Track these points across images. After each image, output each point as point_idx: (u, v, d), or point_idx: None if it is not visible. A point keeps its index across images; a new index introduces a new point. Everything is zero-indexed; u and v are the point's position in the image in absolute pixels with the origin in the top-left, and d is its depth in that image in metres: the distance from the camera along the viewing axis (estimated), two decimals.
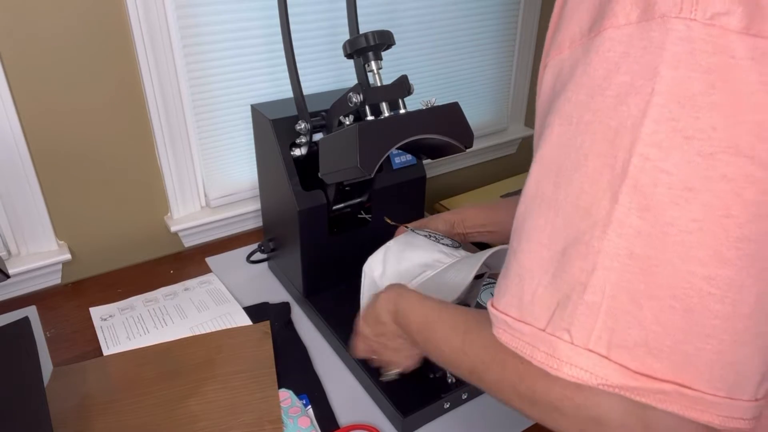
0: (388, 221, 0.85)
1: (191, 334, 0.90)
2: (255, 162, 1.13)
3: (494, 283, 1.01)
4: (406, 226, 0.82)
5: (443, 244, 0.78)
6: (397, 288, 0.64)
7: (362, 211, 0.98)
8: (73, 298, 1.02)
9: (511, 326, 0.38)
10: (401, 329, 0.62)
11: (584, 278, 0.34)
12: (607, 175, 0.33)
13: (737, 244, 0.31)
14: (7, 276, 0.79)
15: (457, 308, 0.55)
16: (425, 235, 0.79)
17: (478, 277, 0.81)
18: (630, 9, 0.32)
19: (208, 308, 0.96)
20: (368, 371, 0.80)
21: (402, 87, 0.78)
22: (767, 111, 0.30)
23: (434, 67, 1.33)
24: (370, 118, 0.75)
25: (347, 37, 0.81)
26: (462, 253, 0.77)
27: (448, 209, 1.44)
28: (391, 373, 0.72)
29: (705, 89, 0.30)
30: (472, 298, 0.84)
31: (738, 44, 0.30)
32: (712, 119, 0.30)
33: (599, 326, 0.34)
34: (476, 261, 0.69)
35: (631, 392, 0.33)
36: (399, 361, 0.68)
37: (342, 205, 0.93)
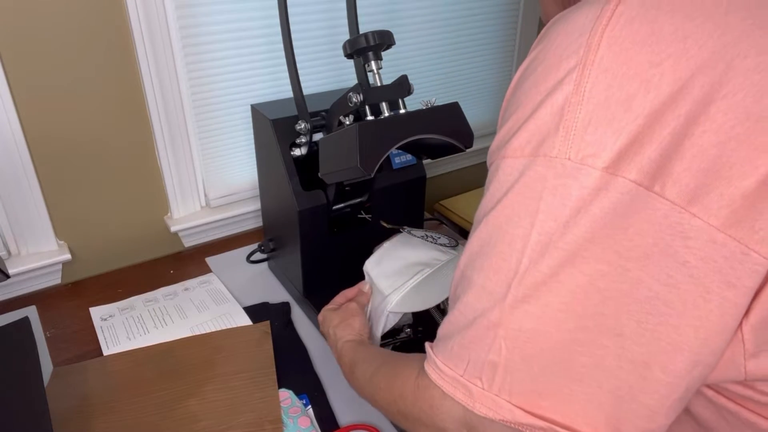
0: (385, 224, 0.85)
1: (191, 334, 0.90)
2: (255, 162, 1.13)
3: None
4: (403, 228, 0.82)
5: (440, 244, 0.78)
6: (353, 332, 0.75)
7: (362, 211, 0.98)
8: (73, 298, 1.02)
9: (438, 366, 0.47)
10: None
11: (488, 343, 0.43)
12: (505, 269, 0.42)
13: (593, 318, 0.40)
14: (7, 276, 0.79)
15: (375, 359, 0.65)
16: (422, 236, 0.79)
17: None
18: (525, 145, 0.41)
19: (208, 308, 0.96)
20: None
21: (402, 87, 0.78)
22: (614, 229, 0.38)
23: (434, 67, 1.33)
24: (370, 118, 0.75)
25: (347, 37, 0.81)
26: (460, 251, 0.77)
27: (448, 209, 1.44)
28: None
29: (571, 213, 0.39)
30: None
31: (598, 179, 0.38)
32: (575, 233, 0.39)
33: (500, 377, 0.43)
34: None
35: (522, 427, 0.43)
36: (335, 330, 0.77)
37: (342, 205, 0.93)
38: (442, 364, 0.47)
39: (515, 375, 0.42)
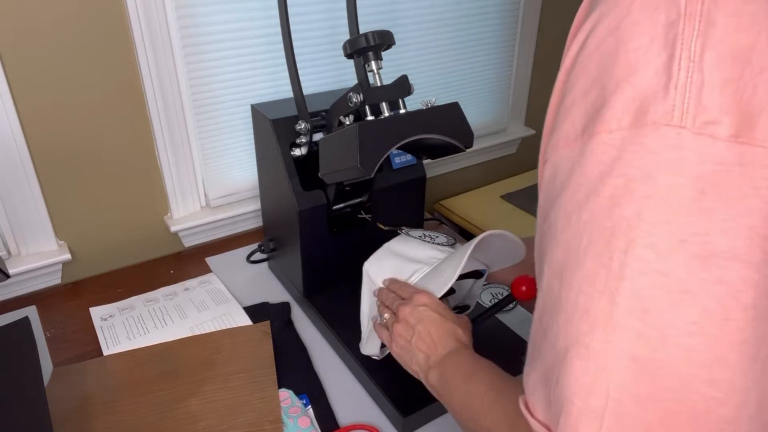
0: (382, 227, 0.85)
1: (191, 334, 0.90)
2: (255, 162, 1.13)
3: (495, 283, 1.00)
4: (401, 229, 0.82)
5: (438, 243, 0.78)
6: (467, 335, 0.66)
7: (362, 211, 0.98)
8: (73, 298, 1.02)
9: (531, 424, 0.39)
10: (436, 359, 0.64)
11: (587, 381, 0.34)
12: (604, 276, 0.33)
13: (737, 347, 0.31)
14: (7, 276, 0.79)
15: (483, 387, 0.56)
16: (419, 236, 0.79)
17: (479, 276, 0.81)
18: (621, 115, 0.34)
19: (208, 308, 0.96)
20: (368, 371, 0.80)
21: (402, 87, 0.78)
22: (759, 215, 0.31)
23: (434, 67, 1.33)
24: (370, 118, 0.75)
25: (347, 37, 0.81)
26: (458, 249, 0.77)
27: (448, 209, 1.44)
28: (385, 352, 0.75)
29: (695, 195, 0.31)
30: (472, 299, 0.84)
31: (726, 152, 0.31)
32: (704, 224, 0.31)
33: (605, 429, 0.33)
34: (466, 248, 0.69)
35: None
36: (398, 348, 0.69)
37: (342, 205, 0.93)
38: (536, 422, 0.38)
39: (625, 425, 0.33)
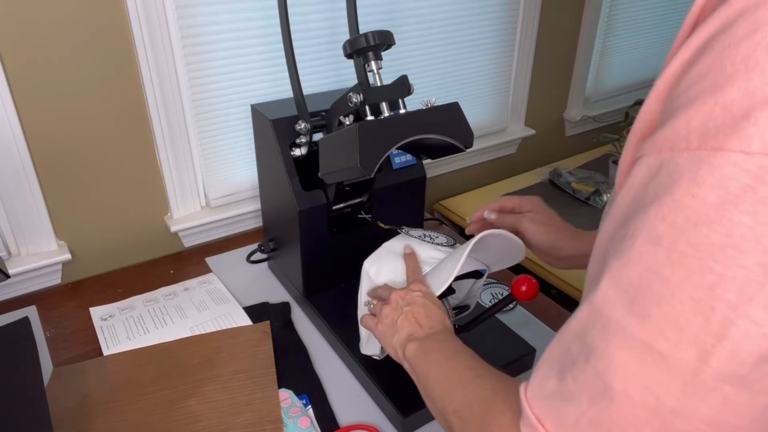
0: (382, 225, 0.85)
1: (191, 334, 0.90)
2: (255, 162, 1.13)
3: (495, 283, 1.00)
4: (401, 229, 0.82)
5: (438, 243, 0.78)
6: (445, 320, 0.64)
7: (362, 211, 0.98)
8: (73, 298, 1.02)
9: None
10: (423, 335, 0.62)
11: (650, 430, 0.30)
12: (698, 327, 0.28)
13: None
14: (7, 276, 0.79)
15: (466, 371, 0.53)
16: (419, 236, 0.79)
17: (479, 276, 0.81)
18: (764, 137, 0.26)
19: (208, 308, 0.96)
20: (368, 371, 0.80)
21: (402, 87, 0.78)
22: None
23: (434, 67, 1.33)
24: (370, 118, 0.75)
25: (347, 37, 0.81)
26: (457, 249, 0.77)
27: (448, 209, 1.44)
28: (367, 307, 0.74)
29: None
30: (472, 299, 0.84)
31: None
32: None
33: None
34: (465, 248, 0.69)
35: None
36: (382, 327, 0.67)
37: (342, 205, 0.93)
38: None
39: None
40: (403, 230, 0.81)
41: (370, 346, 0.79)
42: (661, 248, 0.29)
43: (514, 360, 0.83)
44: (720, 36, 0.29)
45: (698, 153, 0.28)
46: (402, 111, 0.78)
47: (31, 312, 0.97)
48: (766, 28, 0.28)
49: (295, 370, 0.84)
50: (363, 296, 0.80)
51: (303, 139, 0.87)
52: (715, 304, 0.28)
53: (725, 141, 0.27)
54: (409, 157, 0.97)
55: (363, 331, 0.80)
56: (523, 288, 0.72)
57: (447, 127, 0.74)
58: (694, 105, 0.29)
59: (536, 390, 0.37)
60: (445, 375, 0.53)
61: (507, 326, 0.89)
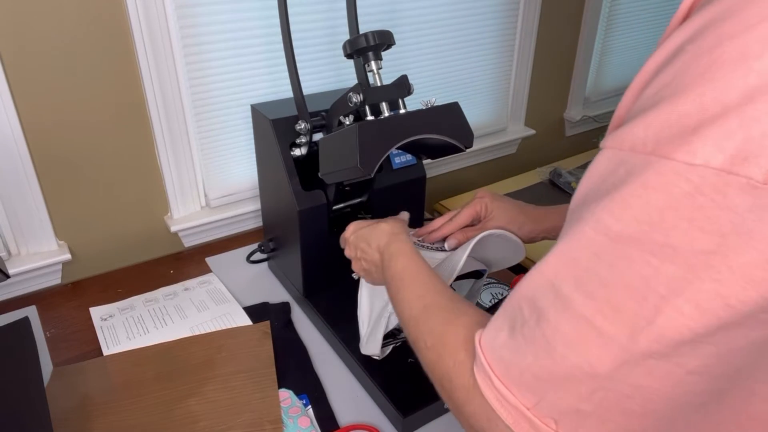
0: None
1: (191, 334, 0.90)
2: (255, 162, 1.13)
3: (495, 283, 1.01)
4: None
5: (435, 248, 0.78)
6: (399, 226, 0.70)
7: (362, 211, 0.98)
8: (73, 298, 1.02)
9: (495, 385, 0.39)
10: (381, 265, 0.67)
11: (582, 391, 0.34)
12: (632, 311, 0.32)
13: (729, 382, 0.33)
14: (7, 276, 0.79)
15: (434, 280, 0.58)
16: (416, 243, 0.79)
17: (479, 276, 0.82)
18: (714, 152, 0.28)
19: (208, 308, 0.96)
20: (368, 371, 0.80)
21: (402, 87, 0.78)
22: None
23: (434, 67, 1.33)
24: (370, 118, 0.75)
25: (347, 37, 0.81)
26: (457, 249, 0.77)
27: (449, 209, 1.44)
28: (355, 275, 0.78)
29: (763, 264, 0.28)
30: (472, 299, 0.84)
31: None
32: (760, 293, 0.29)
33: (587, 427, 0.35)
34: (465, 248, 0.69)
35: None
36: (364, 276, 0.75)
37: (342, 205, 0.93)
38: (502, 385, 0.38)
39: (607, 425, 0.35)
40: None
41: (370, 346, 0.79)
42: (608, 238, 0.32)
43: None
44: (689, 45, 0.31)
45: (650, 158, 0.31)
46: (402, 111, 0.78)
47: (31, 312, 0.97)
48: (728, 43, 0.29)
49: (295, 370, 0.84)
50: (364, 299, 0.80)
51: (303, 139, 0.87)
52: (648, 294, 0.31)
53: (673, 151, 0.30)
54: (409, 157, 0.97)
55: (363, 331, 0.80)
56: None
57: (447, 127, 0.74)
58: (655, 110, 0.31)
59: (489, 340, 0.40)
60: (409, 307, 0.57)
61: None
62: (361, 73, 0.90)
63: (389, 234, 0.69)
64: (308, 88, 1.12)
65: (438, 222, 0.81)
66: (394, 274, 0.62)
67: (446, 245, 0.80)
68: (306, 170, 0.88)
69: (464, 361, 0.43)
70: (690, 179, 0.29)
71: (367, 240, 0.71)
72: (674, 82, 0.31)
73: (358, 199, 0.95)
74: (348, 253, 0.76)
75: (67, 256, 1.02)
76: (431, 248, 0.78)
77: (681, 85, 0.30)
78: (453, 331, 0.47)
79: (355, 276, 0.78)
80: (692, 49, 0.31)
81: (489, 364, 0.39)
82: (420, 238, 0.80)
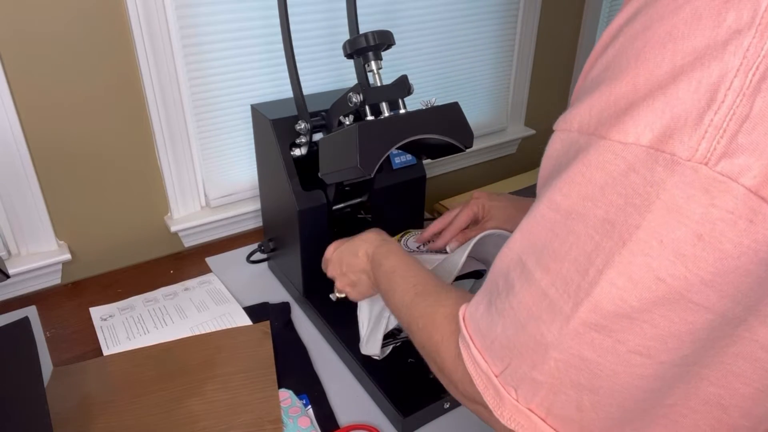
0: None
1: (191, 334, 0.90)
2: (255, 162, 1.13)
3: None
4: (399, 240, 0.82)
5: (435, 252, 0.79)
6: (383, 234, 0.72)
7: (362, 211, 0.98)
8: (73, 298, 1.02)
9: (472, 353, 0.42)
10: (371, 269, 0.69)
11: (535, 359, 0.37)
12: (575, 283, 0.34)
13: (676, 368, 0.33)
14: (7, 276, 0.79)
15: (424, 272, 0.61)
16: (417, 249, 0.80)
17: (479, 276, 0.82)
18: (643, 130, 0.30)
19: (208, 308, 0.96)
20: (368, 371, 0.80)
21: (402, 87, 0.78)
22: (748, 275, 0.29)
23: (434, 67, 1.33)
24: (370, 118, 0.75)
25: (347, 37, 0.81)
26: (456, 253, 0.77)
27: (448, 209, 1.44)
28: (340, 295, 0.78)
29: (690, 239, 0.29)
30: None
31: (741, 203, 0.28)
32: (688, 270, 0.30)
33: (541, 397, 0.37)
34: (465, 248, 0.69)
35: None
36: (350, 292, 0.75)
37: (342, 205, 0.93)
38: (477, 353, 0.41)
39: (559, 397, 0.37)
40: (401, 241, 0.82)
41: (370, 346, 0.79)
42: (559, 215, 0.35)
43: None
44: (626, 26, 0.33)
45: (591, 138, 0.33)
46: (402, 111, 0.78)
47: (31, 312, 0.97)
48: (657, 24, 0.31)
49: (295, 370, 0.84)
50: (364, 299, 0.80)
51: (303, 139, 0.87)
52: (589, 267, 0.33)
53: (609, 130, 0.32)
54: (409, 157, 0.97)
55: (363, 331, 0.80)
56: None
57: (447, 127, 0.74)
58: (597, 92, 0.33)
59: (472, 312, 0.43)
60: (401, 303, 0.60)
61: None
62: (361, 73, 0.90)
63: (376, 240, 0.71)
64: (308, 88, 1.12)
65: (437, 225, 0.81)
66: (387, 270, 0.64)
67: (447, 248, 0.80)
68: (306, 170, 0.88)
69: (452, 333, 0.47)
70: (624, 157, 0.31)
71: (352, 251, 0.72)
72: (614, 63, 0.33)
73: (358, 199, 0.95)
74: (331, 272, 0.77)
75: (67, 256, 1.02)
76: (431, 253, 0.78)
77: (619, 66, 0.32)
78: (441, 310, 0.50)
79: (333, 297, 0.79)
80: (628, 31, 0.32)
81: (469, 334, 0.42)
82: (421, 245, 0.81)
